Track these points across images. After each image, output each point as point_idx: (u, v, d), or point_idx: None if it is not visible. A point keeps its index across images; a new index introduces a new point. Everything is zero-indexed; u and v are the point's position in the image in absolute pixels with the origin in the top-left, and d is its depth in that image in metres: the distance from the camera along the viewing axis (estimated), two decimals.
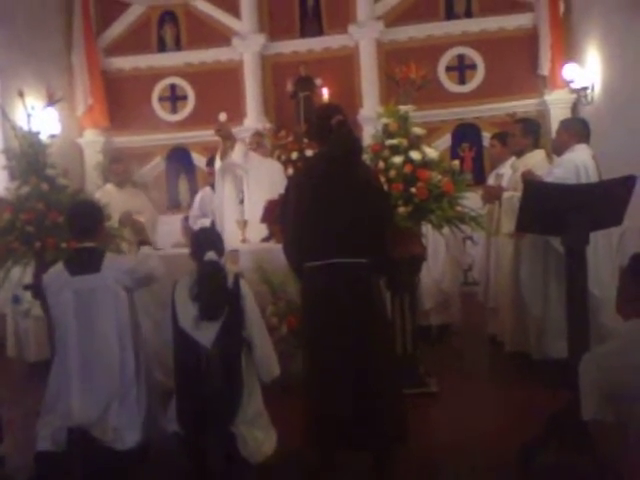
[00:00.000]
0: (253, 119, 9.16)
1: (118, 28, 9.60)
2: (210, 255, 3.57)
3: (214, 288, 3.48)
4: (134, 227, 5.06)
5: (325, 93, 6.82)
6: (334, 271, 3.36)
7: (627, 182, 3.46)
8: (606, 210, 3.41)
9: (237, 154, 5.85)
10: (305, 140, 8.15)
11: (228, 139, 5.90)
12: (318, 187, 3.47)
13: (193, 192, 9.05)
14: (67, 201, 4.82)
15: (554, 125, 7.86)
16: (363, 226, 3.41)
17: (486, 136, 8.67)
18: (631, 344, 2.33)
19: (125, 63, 9.52)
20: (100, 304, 3.64)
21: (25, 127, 5.06)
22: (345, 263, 3.36)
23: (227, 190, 6.08)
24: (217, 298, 3.48)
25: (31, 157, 4.95)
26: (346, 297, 3.34)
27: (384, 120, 4.82)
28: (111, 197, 5.98)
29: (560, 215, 3.25)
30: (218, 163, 6.02)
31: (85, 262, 3.70)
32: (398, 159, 4.57)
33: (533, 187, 3.61)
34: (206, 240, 3.73)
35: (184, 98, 9.61)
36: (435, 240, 5.55)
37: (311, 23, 9.39)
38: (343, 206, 3.41)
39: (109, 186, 6.64)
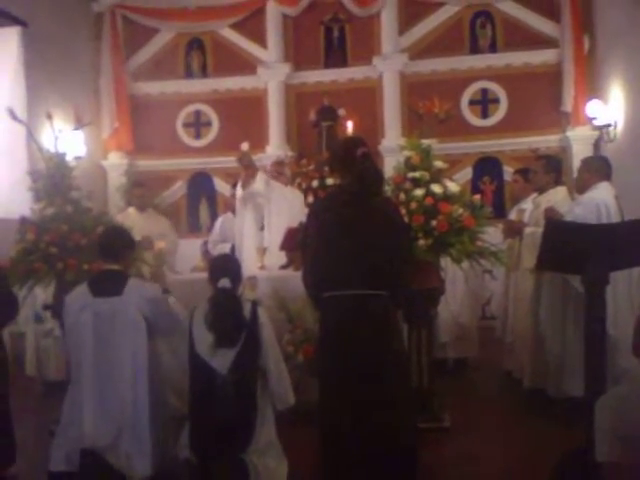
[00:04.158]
0: (275, 147, 9.23)
1: (146, 54, 9.77)
2: (223, 282, 3.58)
3: (227, 315, 3.49)
4: (155, 253, 5.14)
5: (349, 126, 6.87)
6: (353, 302, 3.37)
7: None
8: (627, 250, 3.38)
9: (259, 183, 5.92)
10: (326, 168, 8.20)
11: (250, 168, 5.97)
12: (339, 218, 3.50)
13: (214, 217, 9.12)
14: (90, 224, 4.90)
15: (576, 161, 7.86)
16: (382, 258, 3.42)
17: (507, 170, 8.70)
18: None
19: (152, 88, 9.66)
20: (119, 328, 3.66)
21: (52, 149, 5.16)
22: (364, 295, 3.37)
23: (248, 217, 6.14)
24: (231, 325, 3.49)
25: (57, 179, 5.03)
26: (364, 329, 3.34)
27: (406, 153, 4.85)
28: (132, 220, 6.05)
29: (580, 254, 3.24)
30: (239, 191, 6.09)
31: (109, 284, 3.75)
32: (419, 192, 4.59)
33: (554, 226, 3.61)
34: (222, 267, 3.74)
35: (208, 124, 9.72)
36: (454, 273, 5.54)
37: (336, 54, 9.49)
38: (363, 238, 3.43)
39: (131, 209, 6.74)
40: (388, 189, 4.70)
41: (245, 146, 5.95)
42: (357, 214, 3.47)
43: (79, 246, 4.78)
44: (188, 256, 7.34)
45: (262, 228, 6.11)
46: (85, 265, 4.67)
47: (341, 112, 8.91)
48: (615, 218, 4.42)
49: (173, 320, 3.86)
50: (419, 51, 9.15)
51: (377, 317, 3.37)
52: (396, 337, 3.50)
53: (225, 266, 3.78)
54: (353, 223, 3.46)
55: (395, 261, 3.47)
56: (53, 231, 4.78)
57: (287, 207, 6.06)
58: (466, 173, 9.00)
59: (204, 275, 3.99)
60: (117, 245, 3.89)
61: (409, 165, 4.80)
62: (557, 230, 3.45)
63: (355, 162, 3.57)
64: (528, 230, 5.09)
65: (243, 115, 9.53)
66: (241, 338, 3.49)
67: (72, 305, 3.79)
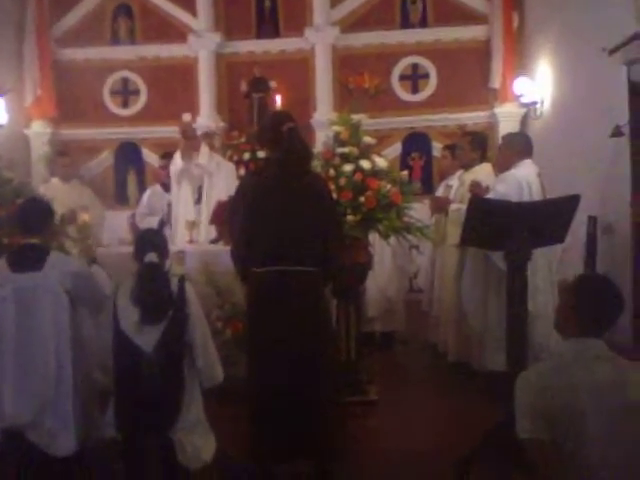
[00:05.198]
0: (206, 117, 9.09)
1: (72, 19, 9.39)
2: (150, 257, 3.50)
3: (154, 291, 3.43)
4: (79, 225, 4.99)
5: (278, 100, 6.83)
6: (281, 278, 3.38)
7: (571, 201, 3.55)
8: (549, 228, 3.50)
9: (203, 156, 5.86)
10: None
11: (192, 139, 5.90)
12: (267, 193, 3.49)
13: (141, 188, 8.93)
14: (10, 195, 4.72)
15: None
16: (311, 234, 3.45)
17: (436, 146, 8.81)
18: (567, 363, 2.34)
19: (77, 54, 9.32)
20: (40, 303, 3.55)
21: None
22: (292, 271, 3.38)
23: (183, 190, 6.07)
24: (158, 301, 3.43)
25: None
26: (292, 305, 3.36)
27: (336, 128, 4.86)
28: (56, 192, 5.88)
29: (503, 231, 3.33)
30: (178, 162, 6.00)
31: (28, 259, 3.62)
32: (348, 167, 4.61)
33: (477, 203, 3.69)
34: (148, 241, 3.67)
35: (136, 93, 9.46)
36: (381, 248, 5.62)
37: (268, 24, 9.36)
38: (292, 213, 3.44)
39: (55, 180, 6.54)
40: (317, 164, 4.70)
41: (187, 117, 5.89)
42: (285, 190, 3.48)
43: None
44: (115, 228, 7.18)
45: (197, 201, 6.07)
46: (4, 239, 4.51)
47: (272, 84, 8.83)
48: (537, 196, 4.53)
49: (97, 294, 3.76)
50: (351, 24, 9.11)
51: (304, 292, 3.40)
52: (322, 312, 3.54)
53: (152, 240, 3.70)
54: (281, 199, 3.47)
55: (324, 236, 3.49)
56: None
57: (224, 181, 6.03)
58: (395, 148, 9.07)
59: (131, 248, 3.92)
60: (36, 217, 3.75)
61: (338, 140, 4.82)
62: (480, 207, 3.54)
63: (282, 137, 3.56)
64: (454, 206, 5.19)
65: (172, 84, 9.33)
66: (167, 315, 3.44)
67: None
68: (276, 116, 4.23)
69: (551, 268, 4.72)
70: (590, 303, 2.36)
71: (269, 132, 3.71)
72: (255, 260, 3.50)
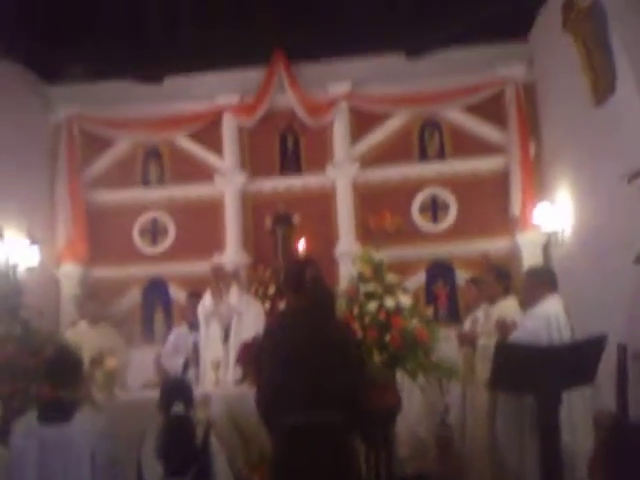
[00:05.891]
0: (233, 253, 9.24)
1: (103, 163, 9.79)
2: (177, 409, 3.50)
3: (179, 445, 3.40)
4: (106, 371, 5.03)
5: (301, 245, 6.94)
6: (307, 434, 3.31)
7: (598, 342, 3.51)
8: (578, 370, 3.44)
9: (233, 295, 5.95)
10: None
11: (224, 280, 6.01)
12: (292, 343, 3.50)
13: (168, 325, 9.00)
14: (40, 344, 4.80)
15: (526, 265, 8.05)
16: (336, 382, 3.41)
17: (460, 275, 8.83)
18: None
19: (108, 196, 9.66)
20: (63, 460, 3.52)
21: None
22: (320, 426, 3.32)
23: (212, 330, 6.11)
24: (183, 456, 3.39)
25: (7, 298, 4.95)
26: (319, 463, 3.27)
27: (358, 266, 4.92)
28: (84, 335, 5.96)
29: (532, 376, 3.28)
30: (208, 303, 6.07)
31: (57, 413, 3.63)
32: (373, 305, 4.63)
33: (504, 348, 3.66)
34: (174, 391, 3.68)
35: (165, 231, 9.70)
36: (410, 385, 5.50)
37: (290, 162, 9.69)
38: (316, 362, 3.43)
39: (82, 323, 6.62)
40: (342, 302, 4.73)
41: (218, 257, 6.00)
42: (309, 338, 3.48)
43: (27, 368, 4.65)
44: (141, 367, 7.16)
45: (224, 341, 6.09)
46: (33, 389, 4.53)
47: (296, 219, 9.06)
48: (565, 331, 4.49)
49: (116, 464, 3.70)
50: (370, 159, 9.39)
51: (333, 452, 3.32)
52: (353, 469, 3.44)
53: (178, 390, 3.72)
54: (306, 348, 3.46)
55: (349, 384, 3.46)
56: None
57: (253, 320, 6.07)
58: (419, 277, 9.09)
59: (155, 393, 3.91)
60: (66, 370, 3.80)
61: (362, 278, 4.87)
62: (508, 352, 3.50)
63: (305, 285, 3.61)
64: (482, 341, 5.14)
65: (200, 222, 9.56)
66: (192, 468, 3.39)
67: (18, 432, 3.66)
68: (299, 264, 4.30)
69: (585, 402, 4.60)
70: (619, 462, 2.28)
71: (293, 281, 3.77)
72: (280, 408, 3.45)
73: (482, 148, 9.28)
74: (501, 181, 9.11)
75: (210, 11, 8.39)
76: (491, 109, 9.27)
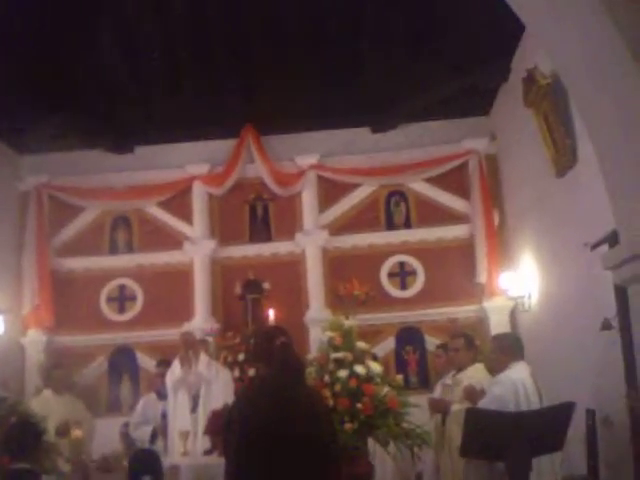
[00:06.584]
0: (201, 320, 9.20)
1: (71, 230, 9.76)
2: None
3: None
4: (71, 440, 4.93)
5: (271, 314, 7.00)
6: None
7: (567, 409, 3.57)
8: (547, 436, 3.49)
9: (203, 365, 5.93)
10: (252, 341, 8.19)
11: (193, 348, 6.00)
12: (260, 415, 3.43)
13: (135, 394, 8.84)
14: (3, 414, 4.70)
15: (494, 331, 8.15)
16: (308, 456, 3.37)
17: (429, 340, 8.91)
18: None
19: (76, 264, 9.60)
20: None
21: None
22: None
23: (180, 399, 6.05)
24: None
25: None
26: None
27: (329, 333, 4.97)
28: (49, 405, 5.84)
29: (502, 442, 3.32)
30: (177, 371, 6.02)
31: None
32: (343, 373, 4.66)
33: (473, 415, 3.71)
34: (142, 464, 3.63)
35: (132, 298, 9.65)
36: (382, 454, 5.48)
37: (260, 230, 9.79)
38: (287, 436, 3.37)
39: (47, 392, 6.51)
40: (312, 370, 4.75)
41: (188, 326, 5.99)
42: (279, 409, 3.45)
43: None
44: (106, 437, 7.00)
45: (193, 410, 6.02)
46: None
47: (266, 285, 9.08)
48: (533, 397, 4.54)
49: None
50: (339, 227, 9.56)
51: None
52: None
53: (146, 463, 3.67)
54: (275, 420, 3.42)
55: (323, 458, 3.42)
56: None
57: (222, 389, 6.04)
58: (389, 342, 9.15)
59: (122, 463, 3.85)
60: (26, 442, 3.74)
61: (332, 345, 4.91)
62: (477, 419, 3.55)
63: (275, 353, 3.61)
64: (455, 407, 5.16)
65: (168, 289, 9.54)
66: None
67: None
68: (269, 332, 4.30)
69: (555, 467, 4.62)
70: None
71: (263, 348, 3.77)
72: None
73: (447, 217, 9.53)
74: (467, 249, 9.31)
75: (180, 84, 8.57)
76: (455, 180, 9.57)
